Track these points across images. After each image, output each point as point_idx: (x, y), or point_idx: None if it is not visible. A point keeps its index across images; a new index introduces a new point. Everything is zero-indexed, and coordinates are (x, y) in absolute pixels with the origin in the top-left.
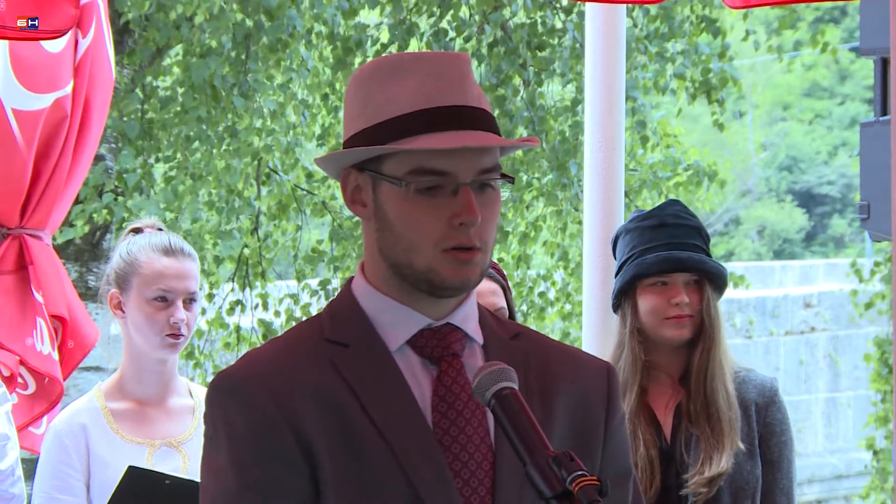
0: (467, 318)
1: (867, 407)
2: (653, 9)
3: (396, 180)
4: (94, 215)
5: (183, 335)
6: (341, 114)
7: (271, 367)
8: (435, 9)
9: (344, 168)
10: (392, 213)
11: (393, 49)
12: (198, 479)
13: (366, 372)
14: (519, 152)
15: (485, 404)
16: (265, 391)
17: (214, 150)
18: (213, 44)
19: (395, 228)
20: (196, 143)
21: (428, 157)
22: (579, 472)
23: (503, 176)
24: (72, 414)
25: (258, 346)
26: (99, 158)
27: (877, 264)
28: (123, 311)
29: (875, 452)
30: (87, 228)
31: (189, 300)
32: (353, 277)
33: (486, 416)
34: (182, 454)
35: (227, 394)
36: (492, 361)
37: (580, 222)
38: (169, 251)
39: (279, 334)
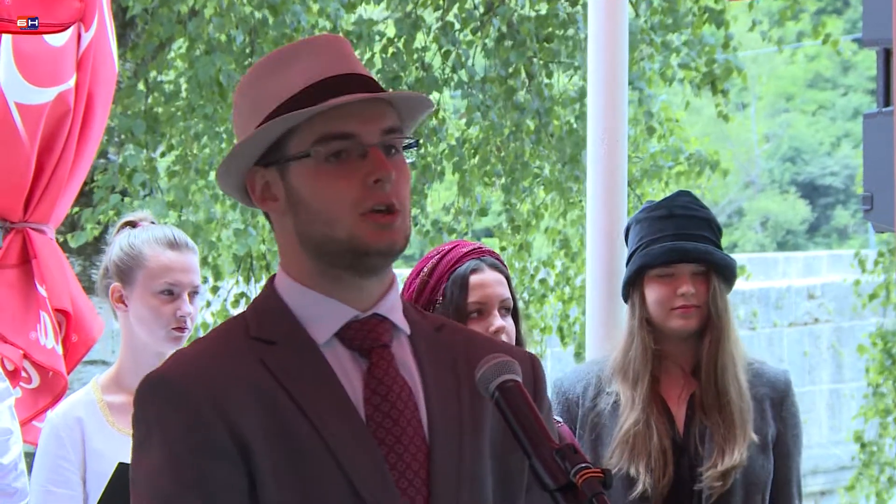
0: (393, 308)
1: (864, 399)
2: (656, 0)
3: (303, 154)
4: (102, 217)
5: (188, 328)
6: None
7: (202, 365)
8: (441, 1)
9: (248, 170)
10: (305, 190)
11: (399, 44)
12: None
13: (295, 368)
14: (527, 141)
15: (488, 396)
16: (198, 389)
17: (224, 145)
18: (223, 38)
19: (311, 205)
20: (204, 140)
21: (330, 123)
22: (583, 465)
23: (407, 139)
24: (68, 407)
25: (184, 346)
26: (104, 156)
27: (881, 254)
28: (126, 305)
29: (863, 445)
30: (97, 232)
31: (193, 293)
32: (274, 275)
33: (419, 408)
34: None
35: (159, 393)
36: (495, 353)
37: (581, 208)
38: (174, 244)
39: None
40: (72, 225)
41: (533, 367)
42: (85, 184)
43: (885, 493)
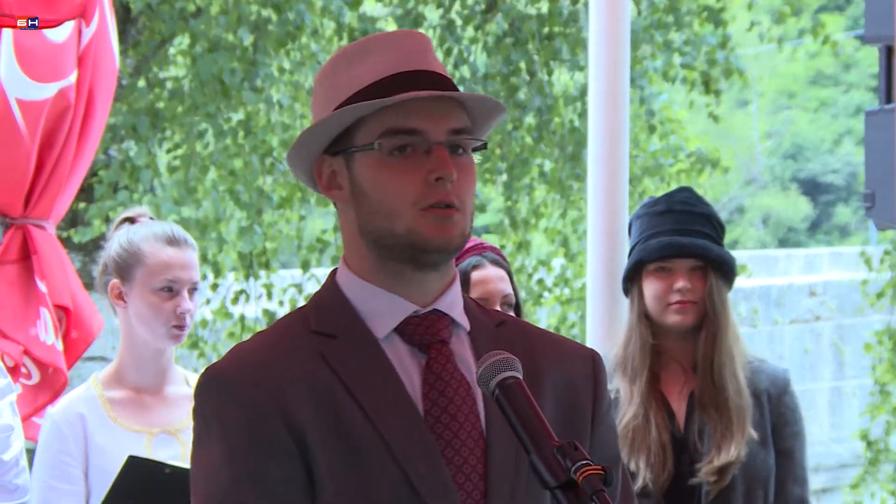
0: (453, 304)
1: (870, 396)
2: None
3: (368, 146)
4: (111, 213)
5: (187, 325)
6: None
7: (261, 359)
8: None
9: (316, 158)
10: (368, 182)
11: None
12: None
13: (355, 362)
14: (528, 139)
15: (489, 394)
16: (256, 383)
17: (230, 143)
18: (230, 37)
19: (372, 197)
20: (208, 137)
21: (397, 118)
22: (584, 462)
23: (475, 140)
24: (69, 403)
25: (244, 340)
26: (105, 152)
27: (887, 252)
28: (125, 301)
29: (869, 443)
30: (104, 228)
31: (192, 290)
32: (336, 269)
33: (476, 403)
34: (180, 441)
35: (217, 387)
36: (495, 351)
37: (581, 209)
38: (173, 241)
39: (264, 328)
40: (73, 220)
41: (594, 365)
42: (86, 179)
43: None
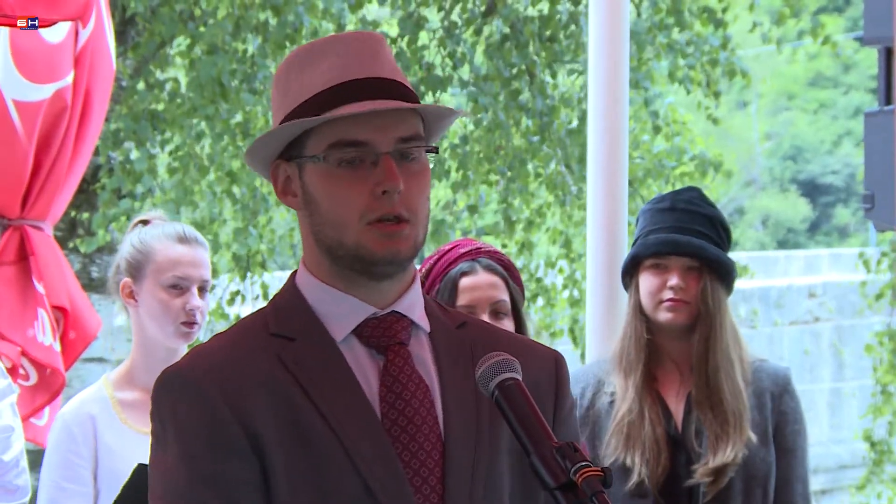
0: (413, 306)
1: (872, 397)
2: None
3: (317, 157)
4: (114, 224)
5: (197, 323)
6: None
7: (219, 361)
8: (444, 1)
9: (271, 163)
10: (317, 192)
11: (403, 44)
12: None
13: (312, 365)
14: (522, 142)
15: (488, 395)
16: (213, 385)
17: (228, 145)
18: (239, 45)
19: (321, 207)
20: (208, 140)
21: (345, 129)
22: (583, 463)
23: (427, 147)
24: (80, 403)
25: (203, 342)
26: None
27: (884, 254)
28: (136, 301)
29: (872, 444)
30: (109, 238)
31: (202, 288)
32: (296, 271)
33: (434, 405)
34: None
35: (174, 389)
36: (495, 352)
37: (581, 209)
38: (183, 239)
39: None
40: (72, 224)
41: (557, 365)
42: (85, 182)
43: None
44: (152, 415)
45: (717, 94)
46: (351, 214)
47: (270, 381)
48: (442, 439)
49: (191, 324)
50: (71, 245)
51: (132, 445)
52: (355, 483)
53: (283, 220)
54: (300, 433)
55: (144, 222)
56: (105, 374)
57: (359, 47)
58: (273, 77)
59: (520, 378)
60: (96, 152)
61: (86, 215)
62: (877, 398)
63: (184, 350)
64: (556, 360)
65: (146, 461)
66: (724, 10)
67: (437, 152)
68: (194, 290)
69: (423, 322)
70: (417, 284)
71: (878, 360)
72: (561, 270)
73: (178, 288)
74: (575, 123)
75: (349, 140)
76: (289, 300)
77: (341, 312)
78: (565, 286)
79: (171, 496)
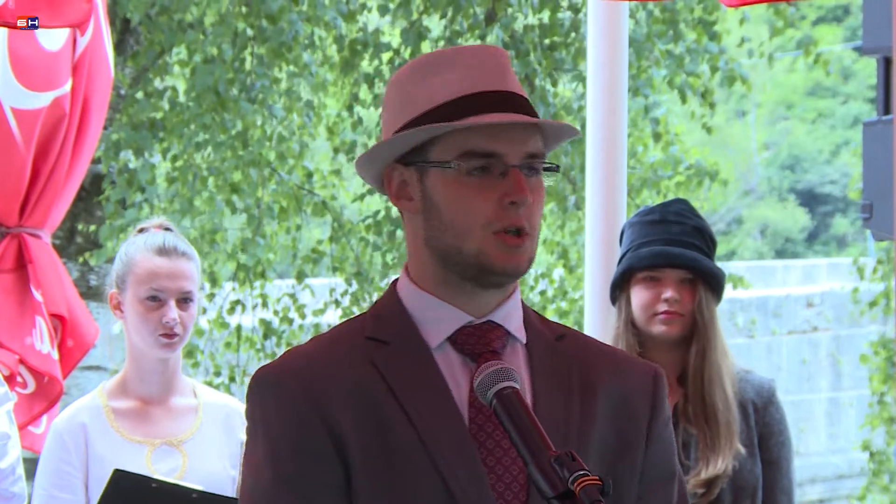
0: (509, 316)
1: (869, 408)
2: (656, 10)
3: (445, 164)
4: (122, 236)
5: (177, 334)
6: (346, 113)
7: (309, 363)
8: (446, 10)
9: (387, 165)
10: (441, 198)
11: (406, 54)
12: (186, 484)
13: (405, 369)
14: None
15: (486, 403)
16: (300, 387)
17: (230, 155)
18: (215, 51)
19: (444, 214)
20: (208, 149)
21: (477, 139)
22: (581, 472)
23: (548, 165)
24: (73, 412)
25: (302, 343)
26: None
27: (880, 261)
28: (122, 311)
29: (872, 454)
30: (117, 248)
31: (184, 300)
32: (398, 279)
33: None
34: (182, 453)
35: (264, 389)
36: (493, 360)
37: (579, 219)
38: (163, 251)
39: (262, 338)
40: (70, 232)
41: (655, 380)
42: (84, 191)
43: None
44: (246, 413)
45: (712, 105)
46: (475, 222)
47: (360, 383)
48: None
49: (169, 335)
50: (81, 259)
51: (124, 454)
52: (437, 486)
53: (288, 231)
54: (385, 436)
55: (144, 231)
56: (102, 382)
57: (488, 60)
58: (388, 86)
59: (518, 387)
60: (97, 161)
61: (92, 227)
62: (874, 408)
63: (176, 359)
64: (655, 375)
65: (123, 468)
66: (713, 24)
67: (558, 171)
68: (171, 302)
69: (520, 333)
70: (517, 296)
71: (874, 369)
72: (552, 281)
73: (156, 300)
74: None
75: (482, 150)
76: (388, 306)
77: (438, 319)
78: (555, 296)
79: (256, 494)
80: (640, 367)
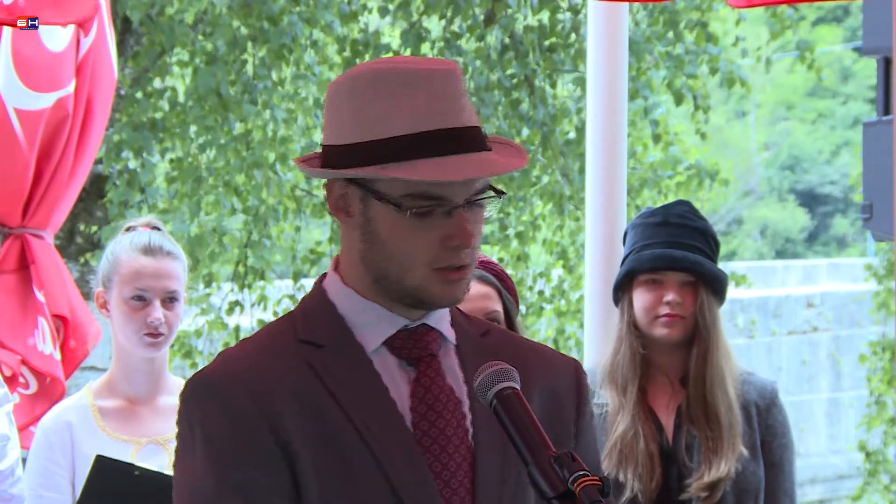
0: (442, 318)
1: (867, 408)
2: (656, 10)
3: (392, 203)
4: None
5: (162, 334)
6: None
7: (248, 367)
8: (445, 11)
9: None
10: (384, 232)
11: (405, 55)
12: (168, 473)
13: (343, 374)
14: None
15: (486, 404)
16: (243, 391)
17: (233, 156)
18: (211, 49)
19: (386, 247)
20: (213, 151)
21: (426, 183)
22: (581, 473)
23: (494, 191)
24: (59, 412)
25: (232, 346)
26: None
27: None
28: (108, 311)
29: (867, 454)
30: None
31: (169, 299)
32: (325, 274)
33: (465, 417)
34: (169, 452)
35: (204, 394)
36: (493, 361)
37: (577, 219)
38: (148, 250)
39: (250, 334)
40: (70, 233)
41: (577, 373)
42: (85, 192)
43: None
44: (179, 418)
45: (706, 110)
46: (418, 261)
47: (300, 388)
48: (472, 450)
49: (154, 335)
50: (82, 260)
51: (110, 453)
52: (385, 493)
53: (282, 232)
54: (330, 441)
55: (131, 229)
56: (89, 382)
57: (444, 87)
58: (335, 85)
59: (518, 387)
60: (99, 162)
61: (94, 229)
62: (871, 408)
63: (163, 358)
64: (577, 369)
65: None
66: (705, 26)
67: (503, 196)
68: (156, 302)
69: (450, 334)
70: None
71: (873, 369)
72: (549, 280)
73: (141, 300)
74: (573, 134)
75: (429, 194)
76: (317, 306)
77: (372, 322)
78: (553, 295)
79: (200, 502)
80: (563, 362)
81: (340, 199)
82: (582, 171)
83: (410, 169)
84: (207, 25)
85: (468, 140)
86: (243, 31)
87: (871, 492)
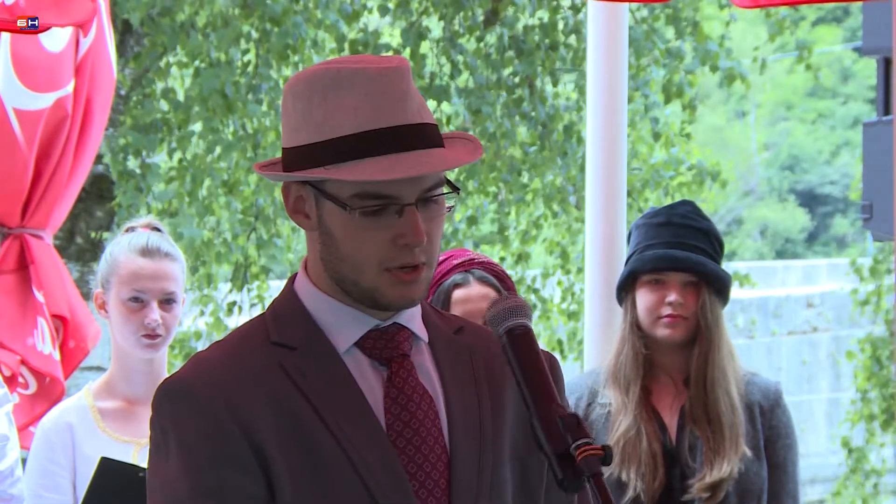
0: (413, 317)
1: (852, 405)
2: (657, 9)
3: (340, 203)
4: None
5: (160, 335)
6: None
7: (220, 370)
8: (445, 10)
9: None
10: (336, 232)
11: (405, 54)
12: None
13: (316, 375)
14: (519, 152)
15: (496, 337)
16: (216, 395)
17: (235, 154)
18: (222, 57)
19: (340, 247)
20: (219, 149)
21: (372, 183)
22: (585, 440)
23: (450, 186)
24: (60, 412)
25: (203, 349)
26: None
27: (876, 260)
28: (107, 311)
29: (850, 451)
30: None
31: (166, 301)
32: (295, 275)
33: (439, 416)
34: None
35: (177, 399)
36: (511, 293)
37: (578, 219)
38: (146, 252)
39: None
40: (70, 233)
41: (551, 367)
42: (84, 192)
43: (870, 501)
44: (152, 423)
45: (692, 109)
46: (370, 261)
47: (273, 391)
48: (447, 449)
49: (152, 336)
50: (81, 260)
51: (110, 453)
52: (360, 495)
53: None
54: (304, 444)
55: (131, 230)
56: (88, 382)
57: (387, 85)
58: (285, 89)
59: (531, 326)
60: (99, 162)
61: (94, 233)
62: (856, 405)
63: (162, 359)
64: (551, 362)
65: (109, 457)
66: (695, 25)
67: (459, 191)
68: (154, 304)
69: (422, 332)
70: None
71: (860, 366)
72: (560, 283)
73: (139, 301)
74: (567, 130)
75: (375, 193)
76: (288, 307)
77: (343, 323)
78: (563, 298)
79: None
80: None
81: (297, 202)
82: (582, 169)
83: (353, 169)
84: (210, 27)
85: (414, 137)
86: (246, 30)
87: (851, 488)
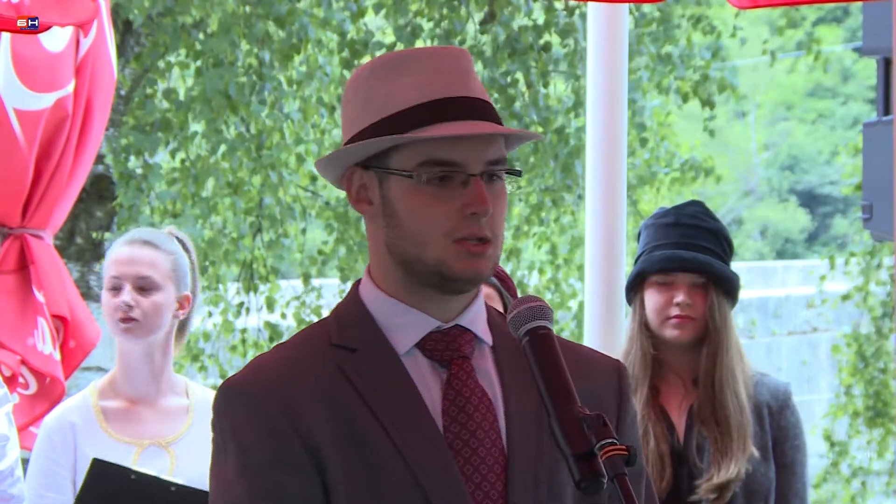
0: (476, 319)
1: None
2: (650, 10)
3: (406, 173)
4: None
5: (135, 319)
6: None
7: (279, 373)
8: (441, 12)
9: (347, 168)
10: (401, 206)
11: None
12: (165, 478)
13: (375, 377)
14: (521, 152)
15: (517, 338)
16: (273, 398)
17: (240, 154)
18: (231, 57)
19: (404, 222)
20: (223, 148)
21: (437, 149)
22: (609, 440)
23: (510, 170)
24: (63, 412)
25: (265, 351)
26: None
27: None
28: None
29: (832, 444)
30: None
31: (142, 287)
32: (360, 280)
33: (497, 419)
34: (170, 454)
35: (235, 401)
36: (530, 296)
37: (572, 213)
38: (130, 241)
39: (285, 339)
40: (70, 233)
41: (620, 376)
42: (84, 192)
43: (858, 498)
44: (213, 426)
45: (711, 105)
46: (436, 232)
47: (331, 393)
48: (504, 453)
49: (125, 319)
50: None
51: (112, 455)
52: (416, 496)
53: (286, 236)
54: (360, 446)
55: None
56: (93, 381)
57: (451, 64)
58: (347, 85)
59: (552, 329)
60: (100, 162)
61: (105, 233)
62: (839, 399)
63: (164, 358)
64: (619, 370)
65: (101, 458)
66: (701, 20)
67: (520, 175)
68: (127, 287)
69: (486, 335)
70: (481, 298)
71: (845, 360)
72: (542, 272)
73: (115, 288)
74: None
75: (442, 160)
76: (351, 311)
77: (405, 325)
78: (546, 287)
79: None
80: (604, 363)
81: (360, 190)
82: (567, 168)
83: (421, 132)
84: (221, 29)
85: (476, 108)
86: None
87: (831, 482)
